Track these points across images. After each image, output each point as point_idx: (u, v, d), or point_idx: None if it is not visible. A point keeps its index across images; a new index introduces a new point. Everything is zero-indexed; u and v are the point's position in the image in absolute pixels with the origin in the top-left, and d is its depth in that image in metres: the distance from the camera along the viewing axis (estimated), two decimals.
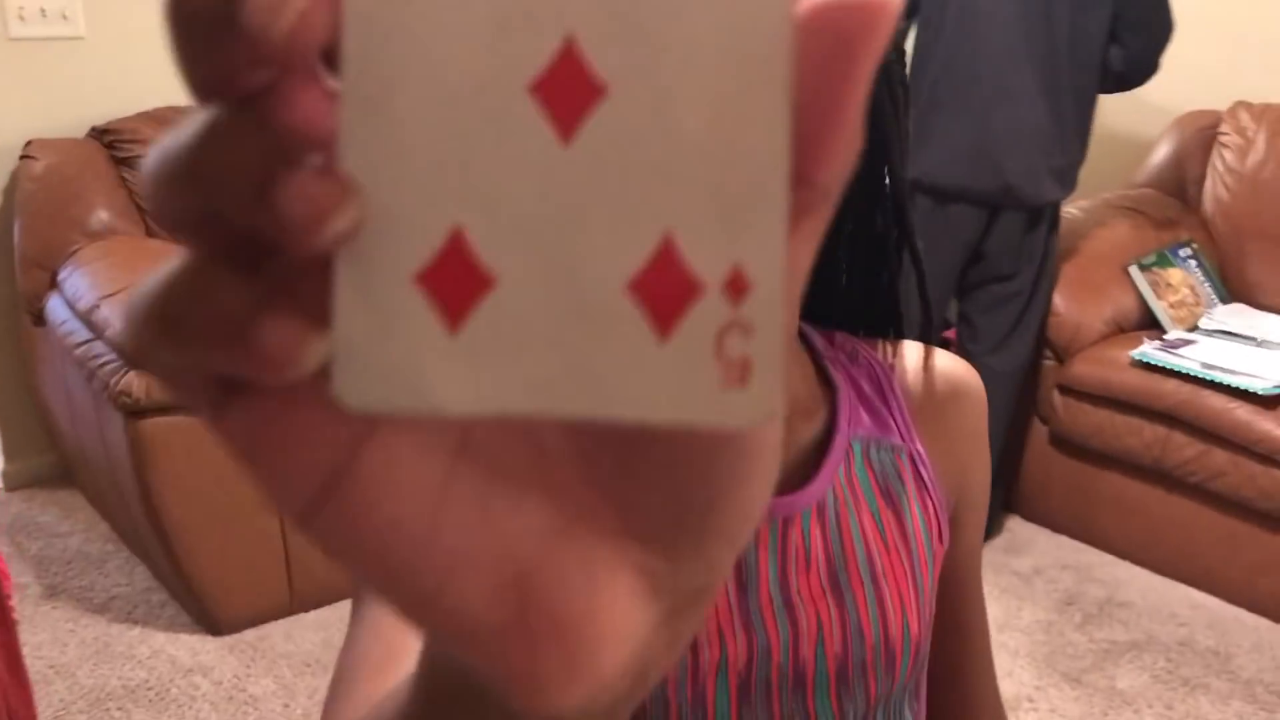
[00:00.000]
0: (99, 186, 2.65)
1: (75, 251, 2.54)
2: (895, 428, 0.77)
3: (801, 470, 0.73)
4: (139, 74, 2.84)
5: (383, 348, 0.21)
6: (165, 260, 0.21)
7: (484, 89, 0.21)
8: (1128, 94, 3.52)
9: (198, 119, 0.20)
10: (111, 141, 2.70)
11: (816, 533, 0.71)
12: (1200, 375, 2.52)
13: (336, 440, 0.22)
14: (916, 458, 0.77)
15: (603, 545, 0.24)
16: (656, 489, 0.24)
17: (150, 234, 2.68)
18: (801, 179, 0.22)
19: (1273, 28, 3.23)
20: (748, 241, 0.21)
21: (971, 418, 0.82)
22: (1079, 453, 2.77)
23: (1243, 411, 2.46)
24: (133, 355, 0.21)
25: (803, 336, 0.77)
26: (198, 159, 0.20)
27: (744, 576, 0.69)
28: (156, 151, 0.20)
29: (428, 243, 0.21)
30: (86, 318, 2.31)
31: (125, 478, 2.29)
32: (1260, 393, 2.44)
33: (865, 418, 0.76)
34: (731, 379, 0.21)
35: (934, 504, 0.76)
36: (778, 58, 0.20)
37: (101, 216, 2.63)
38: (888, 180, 0.75)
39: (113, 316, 2.23)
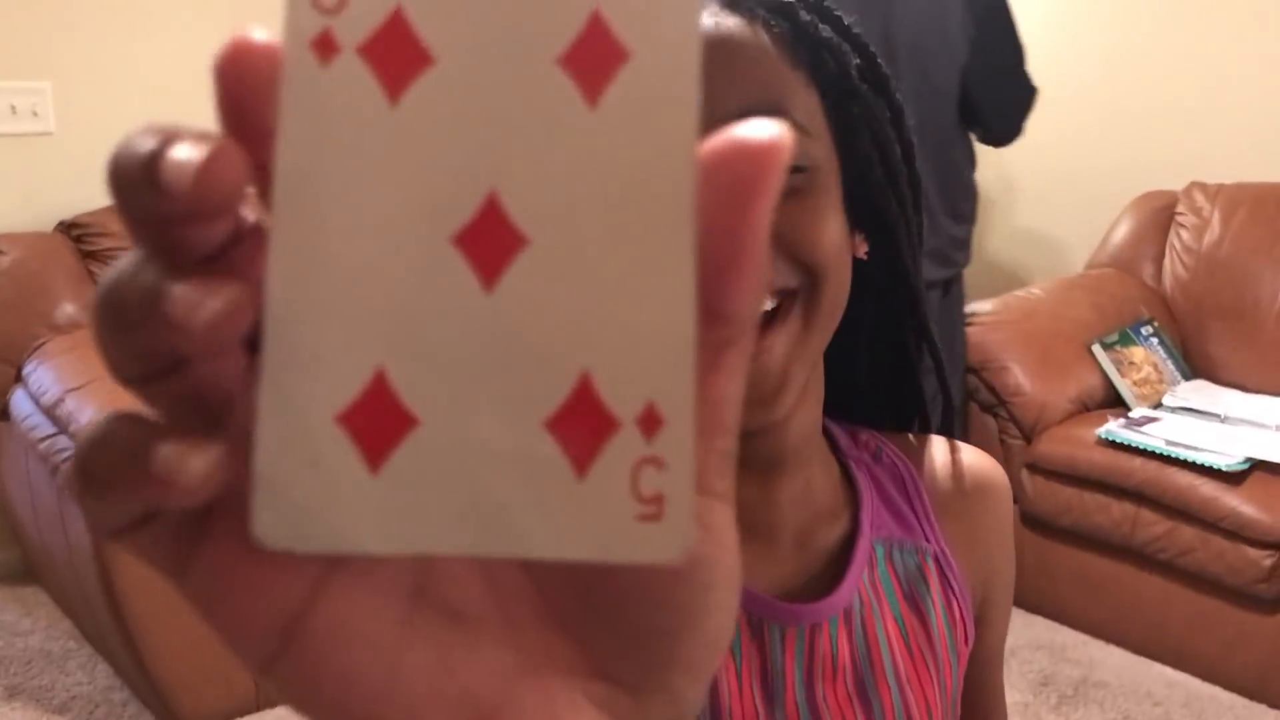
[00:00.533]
0: (65, 280, 2.65)
1: (41, 345, 2.53)
2: (919, 528, 0.75)
3: (826, 575, 0.71)
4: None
5: (303, 486, 0.22)
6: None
7: (410, 237, 0.22)
8: (1085, 176, 3.60)
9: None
10: (79, 235, 2.71)
11: (843, 639, 0.69)
12: (1165, 452, 2.54)
13: (291, 591, 0.23)
14: (941, 559, 0.75)
15: (565, 683, 0.25)
16: (615, 625, 0.25)
17: None
18: (715, 314, 0.23)
19: (1225, 109, 3.31)
20: (659, 378, 0.22)
21: (996, 515, 0.80)
22: (1050, 531, 2.77)
23: (1208, 488, 2.47)
24: (86, 520, 0.23)
25: (828, 435, 0.76)
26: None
27: (770, 686, 0.67)
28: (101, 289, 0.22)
29: (352, 382, 0.22)
30: (51, 412, 2.29)
31: (88, 573, 2.25)
32: (1224, 469, 2.45)
33: (888, 519, 0.75)
34: (647, 514, 0.22)
35: (959, 605, 0.75)
36: (682, 203, 0.22)
37: (68, 310, 2.62)
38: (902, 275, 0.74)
39: (77, 411, 2.21)
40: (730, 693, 0.66)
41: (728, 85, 0.60)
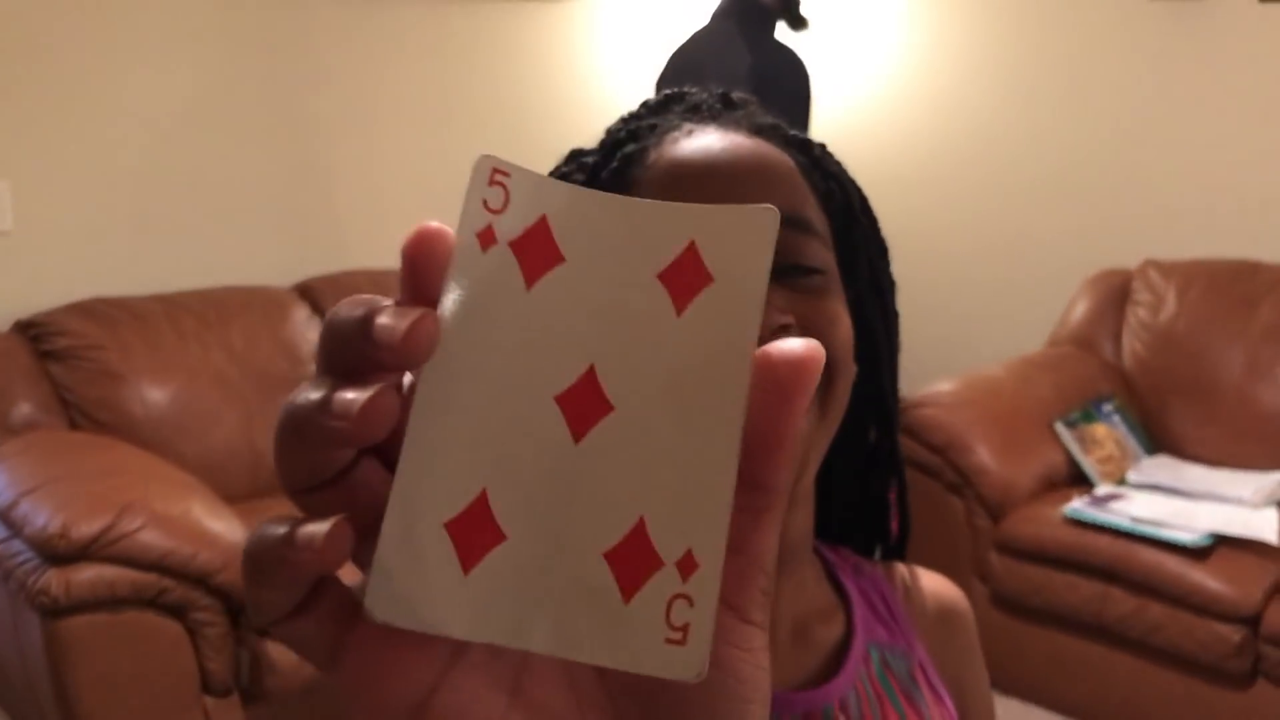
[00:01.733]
0: (21, 380, 2.62)
1: None
2: (903, 636, 0.79)
3: (824, 670, 0.74)
4: (65, 267, 2.85)
5: (411, 575, 0.28)
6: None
7: (523, 391, 0.29)
8: (1042, 254, 3.65)
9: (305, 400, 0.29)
10: (36, 334, 2.68)
11: None
12: (1131, 530, 2.54)
13: (420, 677, 0.29)
14: (925, 666, 0.79)
15: None
16: None
17: (74, 426, 2.64)
18: (757, 485, 0.29)
19: (1178, 189, 3.38)
20: (700, 531, 0.28)
21: (963, 637, 0.85)
22: (1020, 612, 2.76)
23: (1174, 564, 2.47)
24: (252, 615, 0.30)
25: (815, 550, 0.81)
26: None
27: None
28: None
29: (461, 498, 0.28)
30: (5, 515, 2.24)
31: (42, 681, 2.20)
32: (1190, 544, 2.46)
33: (877, 625, 0.79)
34: (675, 639, 0.27)
35: (948, 710, 0.78)
36: (736, 397, 0.29)
37: (23, 410, 2.59)
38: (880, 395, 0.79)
39: (32, 514, 2.17)
40: None
41: (764, 194, 0.67)
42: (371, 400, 0.27)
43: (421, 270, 0.29)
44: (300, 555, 0.27)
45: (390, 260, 3.38)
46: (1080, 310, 3.35)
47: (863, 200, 0.77)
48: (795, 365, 0.29)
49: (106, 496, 2.18)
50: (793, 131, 0.76)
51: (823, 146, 0.77)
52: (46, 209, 2.84)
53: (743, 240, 0.30)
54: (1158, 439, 3.09)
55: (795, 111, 2.66)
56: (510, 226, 0.30)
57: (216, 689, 2.28)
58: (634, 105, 0.80)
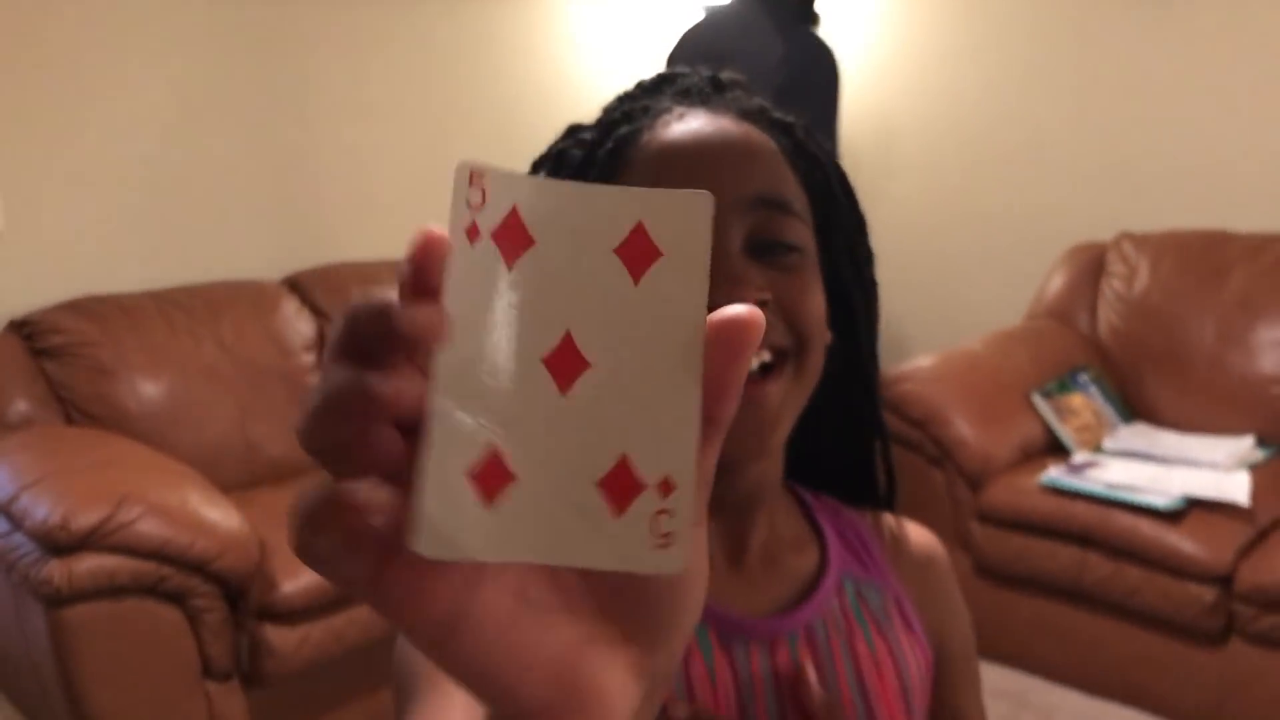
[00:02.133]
0: (18, 378, 2.66)
1: None
2: (879, 572, 0.84)
3: (795, 600, 0.80)
4: (58, 266, 2.88)
5: (447, 518, 0.33)
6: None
7: (516, 358, 0.35)
8: (1018, 230, 3.70)
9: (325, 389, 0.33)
10: (30, 333, 2.72)
11: (805, 657, 0.77)
12: (1107, 495, 2.60)
13: (449, 597, 0.35)
14: (900, 602, 0.84)
15: (610, 649, 0.38)
16: (639, 611, 0.38)
17: (70, 422, 2.69)
18: (708, 418, 0.36)
19: (1151, 162, 3.42)
20: (673, 459, 0.35)
21: (942, 583, 0.91)
22: (1003, 580, 2.82)
23: (1149, 528, 2.53)
24: (300, 557, 0.34)
25: (794, 493, 0.87)
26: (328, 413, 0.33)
27: (743, 695, 0.75)
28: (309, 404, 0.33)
29: (477, 452, 0.34)
30: (6, 509, 2.29)
31: (47, 669, 2.24)
32: (1164, 509, 2.51)
33: (852, 561, 0.84)
34: (660, 545, 0.34)
35: (920, 645, 0.83)
36: (695, 350, 0.35)
37: (20, 407, 2.63)
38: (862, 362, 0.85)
39: (32, 507, 2.21)
40: (702, 686, 0.74)
41: (749, 176, 0.74)
42: (405, 384, 0.32)
43: (427, 269, 0.34)
44: (362, 512, 0.32)
45: (377, 252, 3.42)
46: (1056, 284, 3.41)
47: (842, 179, 0.82)
48: (740, 325, 0.35)
49: (104, 488, 2.22)
50: (775, 114, 0.81)
51: (806, 129, 0.82)
52: (36, 208, 2.87)
53: (684, 220, 0.36)
54: (1133, 407, 3.15)
55: (825, 102, 2.66)
56: (490, 219, 0.35)
57: (217, 673, 2.32)
58: (627, 86, 0.85)
